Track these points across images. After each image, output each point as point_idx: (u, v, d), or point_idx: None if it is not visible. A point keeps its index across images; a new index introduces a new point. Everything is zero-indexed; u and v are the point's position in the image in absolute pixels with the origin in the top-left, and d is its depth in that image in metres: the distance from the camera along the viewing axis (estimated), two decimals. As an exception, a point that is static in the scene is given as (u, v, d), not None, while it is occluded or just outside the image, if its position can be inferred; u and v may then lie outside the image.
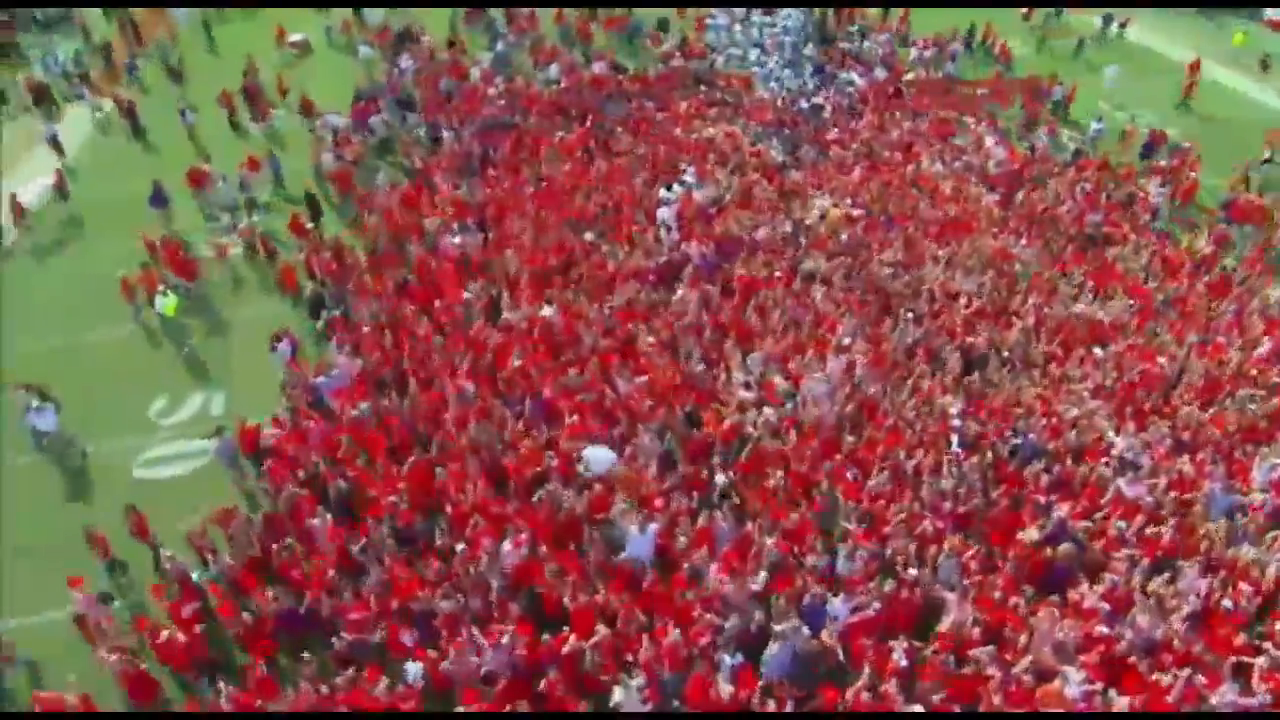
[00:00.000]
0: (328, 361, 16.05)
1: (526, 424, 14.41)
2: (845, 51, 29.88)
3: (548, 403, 14.70)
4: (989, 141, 24.29)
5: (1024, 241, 19.50)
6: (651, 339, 15.93)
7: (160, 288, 18.69)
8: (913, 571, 11.81)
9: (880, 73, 28.20)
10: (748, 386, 15.04)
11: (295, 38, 31.95)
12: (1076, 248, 19.71)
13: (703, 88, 26.91)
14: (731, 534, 12.64)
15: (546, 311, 16.78)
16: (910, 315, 16.71)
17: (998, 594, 11.74)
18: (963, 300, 17.30)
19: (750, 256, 18.69)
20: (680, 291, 17.46)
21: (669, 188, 20.97)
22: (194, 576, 12.51)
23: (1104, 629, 11.24)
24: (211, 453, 14.69)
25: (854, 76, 27.73)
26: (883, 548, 12.42)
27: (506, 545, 12.35)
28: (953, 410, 14.62)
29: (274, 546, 12.57)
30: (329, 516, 12.94)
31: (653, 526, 12.37)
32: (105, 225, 21.99)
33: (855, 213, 20.15)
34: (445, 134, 23.98)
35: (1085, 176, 22.64)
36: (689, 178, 21.51)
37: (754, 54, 28.64)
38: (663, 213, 20.05)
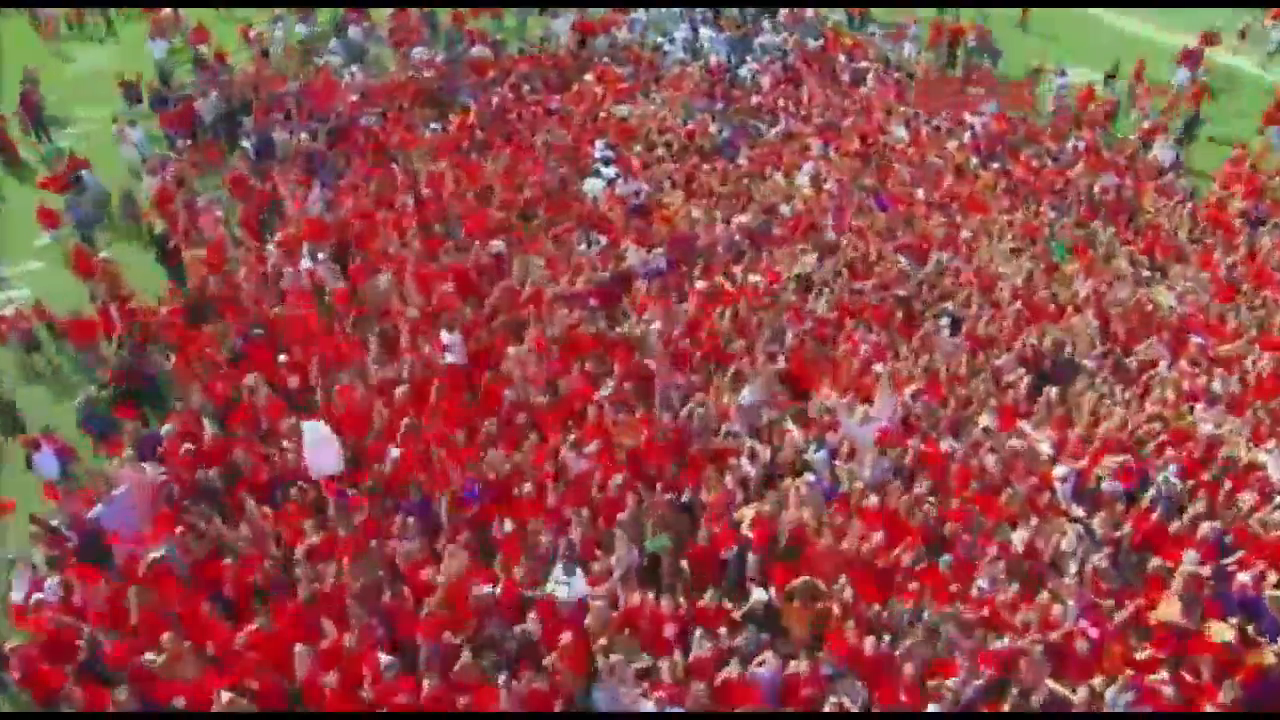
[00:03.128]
0: (113, 476, 10.21)
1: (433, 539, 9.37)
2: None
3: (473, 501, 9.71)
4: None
5: (1051, 214, 15.58)
6: (609, 389, 11.06)
7: None
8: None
9: (811, 42, 24.06)
10: (753, 452, 10.34)
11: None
12: (1103, 216, 15.93)
13: (606, 59, 22.19)
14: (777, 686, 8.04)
15: (446, 338, 11.76)
16: (947, 320, 12.41)
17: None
18: (1005, 293, 13.13)
19: (713, 258, 14.09)
20: (632, 314, 12.68)
21: (607, 163, 16.47)
22: None
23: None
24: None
25: (779, 41, 23.57)
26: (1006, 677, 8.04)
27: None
28: (1045, 449, 10.38)
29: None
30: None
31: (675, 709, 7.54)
32: None
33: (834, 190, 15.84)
34: (281, 138, 18.41)
35: (1079, 134, 19.12)
36: (605, 165, 16.84)
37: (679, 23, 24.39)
38: (595, 184, 15.89)
